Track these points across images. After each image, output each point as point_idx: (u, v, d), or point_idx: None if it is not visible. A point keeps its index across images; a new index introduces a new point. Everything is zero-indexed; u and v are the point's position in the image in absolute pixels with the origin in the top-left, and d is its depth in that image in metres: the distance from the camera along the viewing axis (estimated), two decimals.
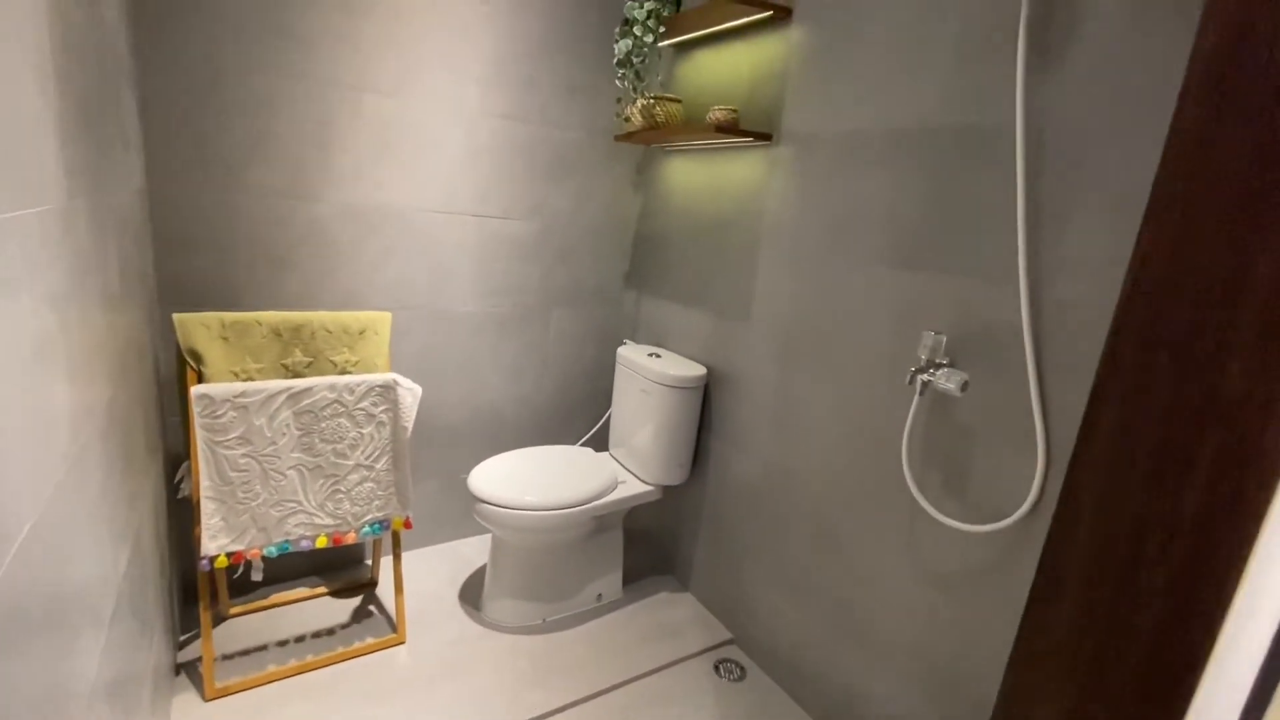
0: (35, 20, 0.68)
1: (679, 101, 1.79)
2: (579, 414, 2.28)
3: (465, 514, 2.12)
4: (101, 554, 0.84)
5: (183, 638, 1.59)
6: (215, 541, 1.37)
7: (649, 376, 1.82)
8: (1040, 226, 1.07)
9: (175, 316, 1.42)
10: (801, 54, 1.51)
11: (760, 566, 1.72)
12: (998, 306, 1.14)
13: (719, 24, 1.66)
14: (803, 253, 1.54)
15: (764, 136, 1.60)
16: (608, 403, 2.26)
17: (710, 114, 1.62)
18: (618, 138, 1.97)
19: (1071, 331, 1.04)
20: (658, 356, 1.90)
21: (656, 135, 1.79)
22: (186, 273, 1.54)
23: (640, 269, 2.18)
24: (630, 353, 1.95)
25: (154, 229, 1.49)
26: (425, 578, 1.93)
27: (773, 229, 1.62)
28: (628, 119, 1.85)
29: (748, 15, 1.56)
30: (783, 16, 1.54)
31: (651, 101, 1.76)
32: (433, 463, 2.02)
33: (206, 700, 1.42)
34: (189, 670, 1.50)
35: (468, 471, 2.03)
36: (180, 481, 1.51)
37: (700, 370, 1.82)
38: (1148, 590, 0.46)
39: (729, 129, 1.58)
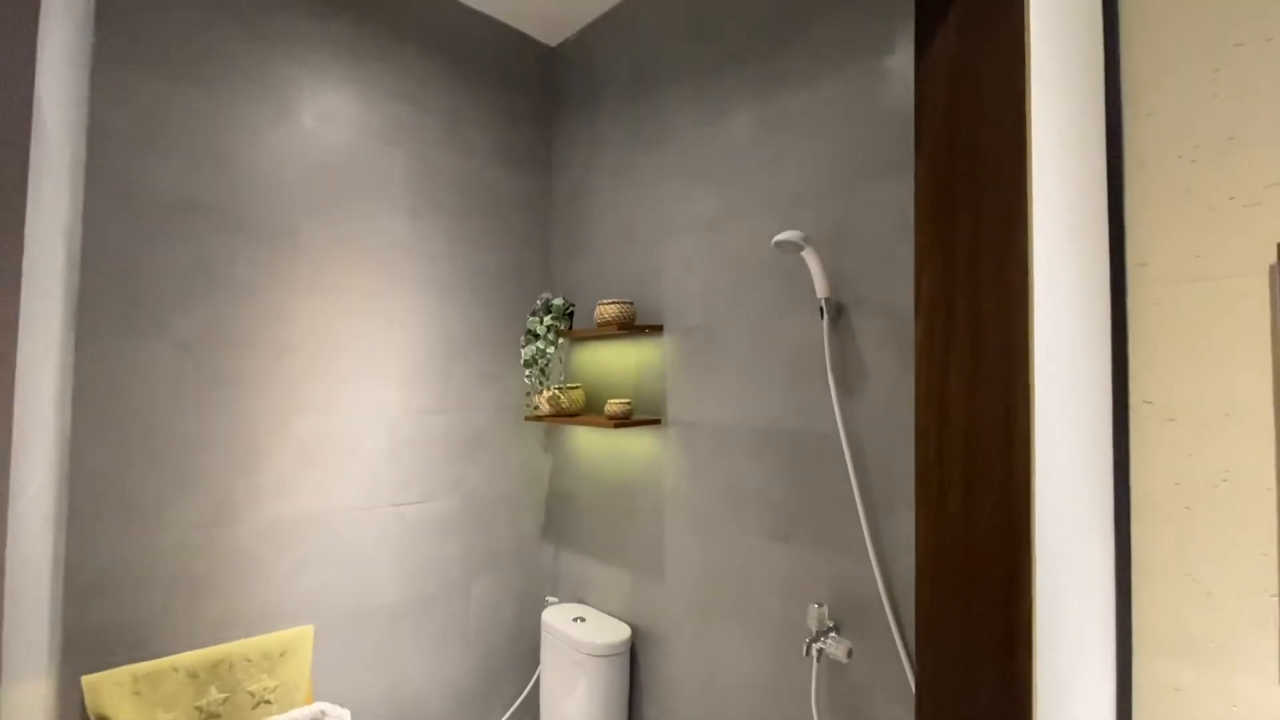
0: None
1: (579, 388, 2.11)
2: (504, 684, 2.25)
3: None
4: None
5: None
6: None
7: (577, 647, 1.90)
8: (876, 515, 1.38)
9: (85, 680, 1.36)
10: (675, 357, 1.89)
11: None
12: (860, 579, 1.40)
13: (605, 334, 2.04)
14: (700, 521, 1.78)
15: (654, 421, 1.91)
16: (532, 665, 2.26)
17: (608, 406, 1.92)
18: (527, 418, 2.23)
19: None
20: (583, 620, 1.99)
21: (561, 419, 2.07)
22: (97, 622, 1.50)
23: (556, 525, 2.34)
24: (556, 619, 2.03)
25: (65, 582, 1.47)
26: None
27: (673, 496, 1.88)
28: (536, 406, 2.13)
29: (626, 334, 1.95)
30: (656, 330, 1.94)
31: (556, 392, 2.07)
32: None
33: None
34: None
35: None
36: None
37: (625, 633, 1.93)
38: None
39: (624, 421, 1.88)
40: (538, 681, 2.10)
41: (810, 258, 1.42)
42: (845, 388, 1.45)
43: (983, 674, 0.66)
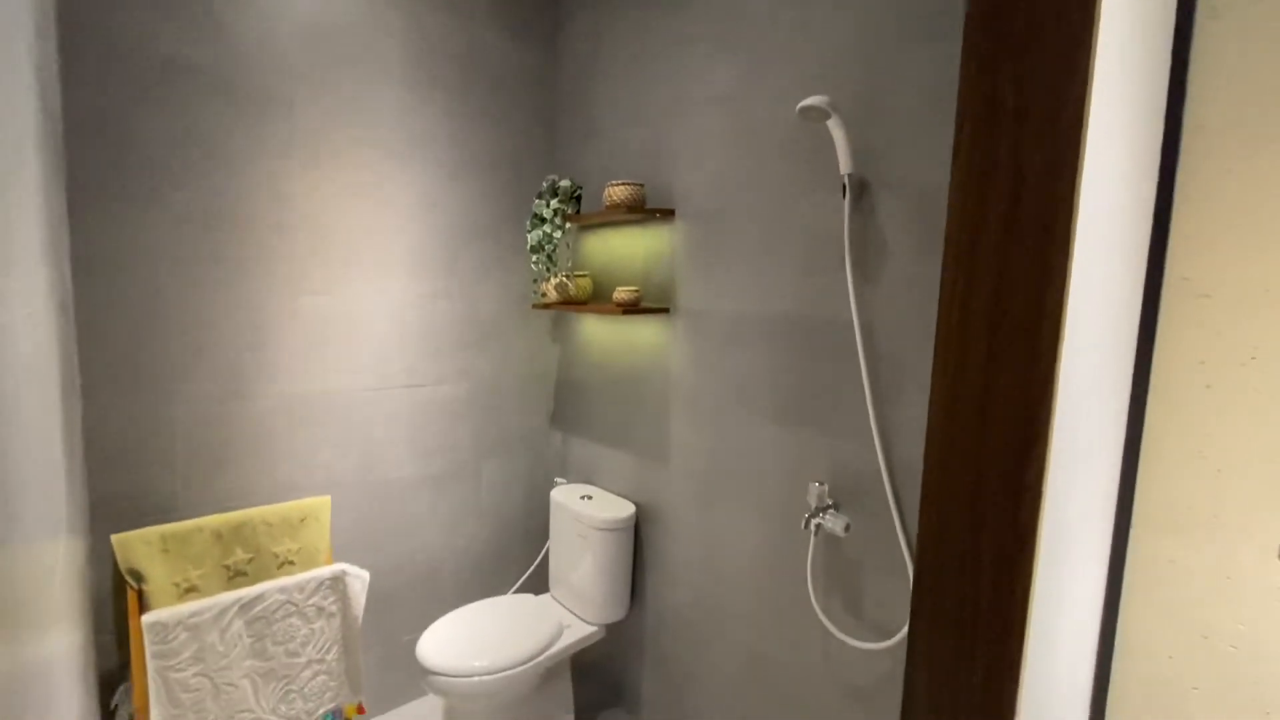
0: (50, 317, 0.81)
1: (587, 276, 2.07)
2: (515, 557, 2.38)
3: (410, 679, 2.12)
4: None
5: None
6: None
7: (584, 521, 1.98)
8: (882, 399, 1.38)
9: (115, 538, 1.44)
10: (685, 243, 1.83)
11: (702, 693, 1.87)
12: (864, 460, 1.43)
13: (614, 218, 1.96)
14: (706, 408, 1.80)
15: (662, 310, 1.88)
16: (542, 540, 2.38)
17: (616, 293, 1.89)
18: (535, 306, 2.20)
19: (919, 481, 1.33)
20: (590, 499, 2.07)
21: (569, 307, 2.04)
22: (121, 489, 1.56)
23: (565, 412, 2.38)
24: (564, 497, 2.11)
25: (87, 449, 1.52)
26: None
27: (679, 385, 1.88)
28: (543, 294, 2.10)
29: (636, 217, 1.87)
30: (667, 214, 1.86)
31: (564, 279, 2.03)
32: (375, 631, 2.03)
33: None
34: None
35: (410, 633, 2.07)
36: (117, 707, 1.47)
37: (630, 510, 2.00)
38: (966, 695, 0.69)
39: (632, 308, 1.85)
40: (546, 554, 2.22)
41: (835, 128, 1.32)
42: (862, 273, 1.40)
43: (987, 530, 0.66)
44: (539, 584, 2.29)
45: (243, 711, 1.44)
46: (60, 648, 0.96)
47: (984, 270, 0.67)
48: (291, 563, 1.66)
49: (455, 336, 2.13)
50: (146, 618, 1.33)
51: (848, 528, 1.42)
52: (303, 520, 1.69)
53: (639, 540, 2.05)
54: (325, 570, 1.56)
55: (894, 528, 1.36)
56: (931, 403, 0.68)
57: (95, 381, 1.51)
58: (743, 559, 1.71)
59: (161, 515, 1.60)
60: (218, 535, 1.56)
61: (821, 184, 1.46)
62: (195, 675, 1.38)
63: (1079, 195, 0.64)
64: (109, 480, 1.54)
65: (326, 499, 1.73)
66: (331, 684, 1.58)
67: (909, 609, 1.35)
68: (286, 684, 1.51)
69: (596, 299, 2.10)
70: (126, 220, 1.52)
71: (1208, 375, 0.89)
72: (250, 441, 1.74)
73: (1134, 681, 0.93)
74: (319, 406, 1.86)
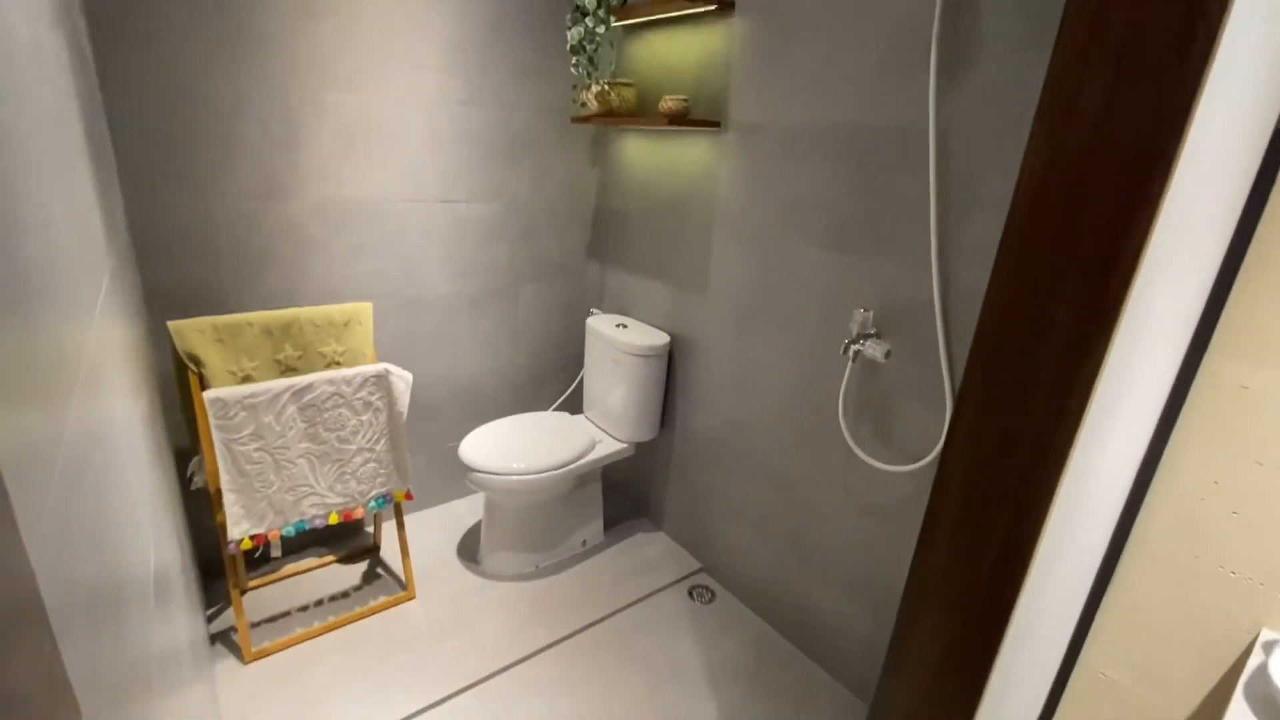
0: (63, 68, 0.77)
1: (632, 85, 1.89)
2: (551, 381, 2.45)
3: (454, 480, 2.30)
4: (172, 540, 0.99)
5: (208, 612, 1.75)
6: (239, 527, 1.51)
7: (619, 347, 2.00)
8: (948, 220, 1.27)
9: (170, 324, 1.50)
10: (744, 46, 1.63)
11: (723, 505, 1.98)
12: (915, 286, 1.35)
13: (666, 13, 1.74)
14: (752, 232, 1.71)
15: (713, 124, 1.73)
16: (577, 368, 2.43)
17: (662, 103, 1.73)
18: (574, 119, 2.05)
19: (973, 309, 1.26)
20: (625, 327, 2.07)
21: (611, 119, 1.89)
22: (171, 280, 1.60)
23: (602, 242, 2.31)
24: (599, 324, 2.11)
25: (134, 240, 1.54)
26: (424, 539, 2.12)
27: (724, 209, 1.78)
28: (583, 104, 1.94)
29: (693, 8, 1.65)
30: (726, 8, 1.64)
31: (606, 87, 1.86)
32: (420, 436, 2.17)
33: (246, 663, 1.59)
34: (222, 640, 1.66)
35: (453, 441, 2.20)
36: (192, 475, 1.63)
37: (664, 338, 2.00)
38: (988, 536, 0.69)
39: (680, 119, 1.70)
40: (581, 380, 2.28)
41: None
42: (947, 71, 1.23)
43: (1065, 300, 0.60)
44: (574, 408, 2.37)
45: (302, 485, 1.58)
46: (136, 410, 1.02)
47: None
48: (338, 364, 1.72)
49: (488, 148, 2.02)
50: (207, 394, 1.42)
51: (888, 354, 1.38)
52: (346, 324, 1.73)
53: (672, 367, 2.08)
54: (370, 368, 1.62)
55: (938, 356, 1.32)
56: (1031, 151, 0.59)
57: (130, 171, 1.49)
58: (775, 385, 1.72)
59: (212, 309, 1.65)
60: (267, 331, 1.61)
61: None
62: (256, 450, 1.50)
63: None
64: (159, 270, 1.58)
65: (368, 305, 1.76)
66: (381, 471, 1.71)
67: (940, 436, 1.35)
68: (340, 467, 1.63)
69: (641, 113, 1.94)
70: None
71: None
72: (290, 245, 1.74)
73: (1172, 497, 0.91)
74: (353, 215, 1.83)
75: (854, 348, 1.42)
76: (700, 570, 2.09)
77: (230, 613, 1.72)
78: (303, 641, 1.68)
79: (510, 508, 1.95)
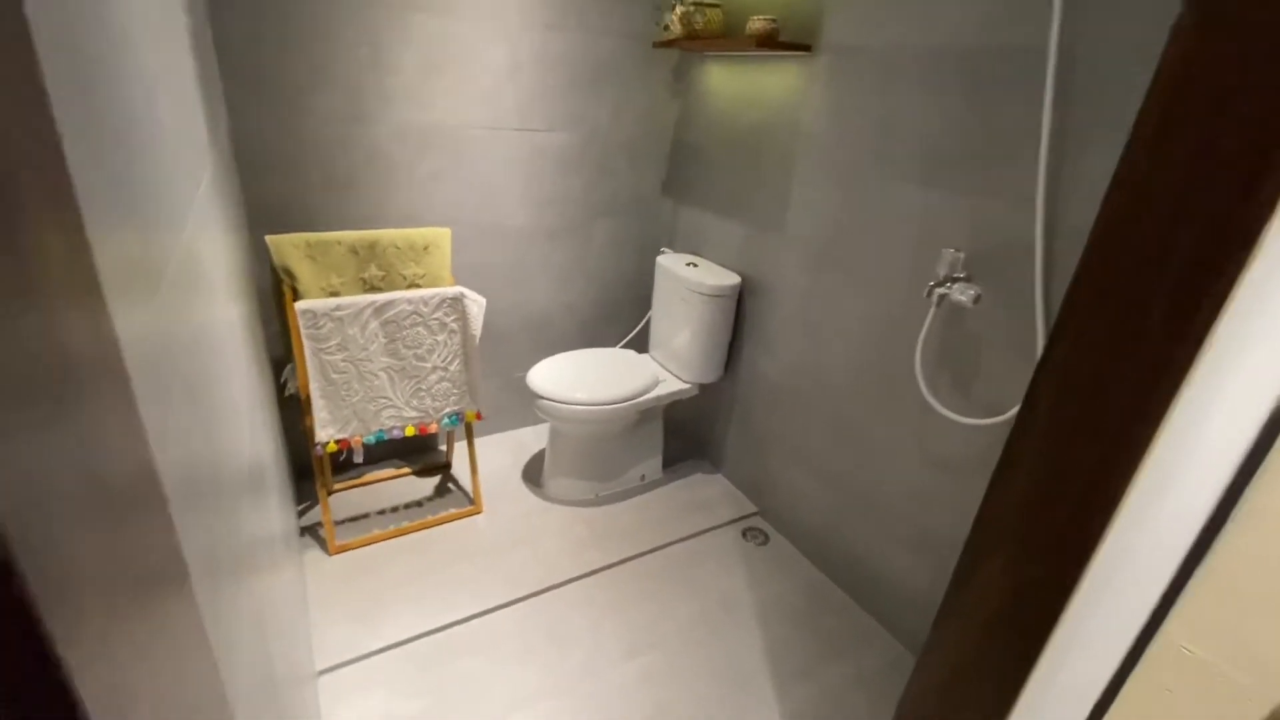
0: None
1: (718, 6, 1.79)
2: (619, 318, 2.46)
3: (522, 407, 2.37)
4: (268, 439, 1.08)
5: (299, 508, 1.92)
6: (325, 431, 1.63)
7: (688, 286, 1.97)
8: (1063, 151, 1.15)
9: (268, 238, 1.59)
10: None
11: (783, 450, 1.95)
12: (1015, 227, 1.24)
13: None
14: (838, 167, 1.61)
15: (803, 47, 1.62)
16: (645, 307, 2.42)
17: (750, 24, 1.63)
18: (656, 44, 1.97)
19: (1080, 253, 1.15)
20: (695, 266, 2.03)
21: (695, 43, 1.81)
22: (267, 197, 1.69)
23: (677, 178, 2.25)
24: (669, 263, 2.08)
25: (236, 156, 1.62)
26: (492, 461, 2.22)
27: (809, 142, 1.68)
28: (666, 26, 1.86)
29: None
30: None
31: (691, 8, 1.77)
32: (492, 363, 2.24)
33: (331, 555, 1.75)
34: (310, 533, 1.83)
35: (522, 370, 2.26)
36: (285, 382, 1.76)
37: (735, 279, 1.95)
38: (1070, 477, 0.64)
39: (768, 42, 1.60)
40: (648, 321, 2.27)
41: None
42: None
43: (1192, 222, 0.53)
44: (640, 347, 2.38)
45: (382, 398, 1.68)
46: (237, 315, 1.11)
47: None
48: (418, 285, 1.79)
49: (569, 76, 1.98)
50: (299, 305, 1.51)
51: (977, 299, 1.29)
52: (426, 248, 1.78)
53: (740, 310, 2.03)
54: (447, 290, 1.68)
55: (1033, 303, 1.21)
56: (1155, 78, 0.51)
57: (234, 92, 1.56)
58: (849, 329, 1.65)
59: (303, 228, 1.74)
60: (354, 250, 1.69)
61: None
62: (342, 360, 1.59)
63: None
64: (257, 188, 1.67)
65: (447, 231, 1.80)
66: (454, 391, 1.78)
67: (1023, 391, 1.25)
68: (416, 383, 1.72)
69: (726, 35, 1.84)
70: None
71: None
72: (375, 167, 1.80)
73: None
74: (435, 140, 1.85)
75: (939, 291, 1.33)
76: (756, 514, 2.09)
77: (318, 510, 1.88)
78: (379, 541, 1.82)
79: (573, 436, 2.00)
